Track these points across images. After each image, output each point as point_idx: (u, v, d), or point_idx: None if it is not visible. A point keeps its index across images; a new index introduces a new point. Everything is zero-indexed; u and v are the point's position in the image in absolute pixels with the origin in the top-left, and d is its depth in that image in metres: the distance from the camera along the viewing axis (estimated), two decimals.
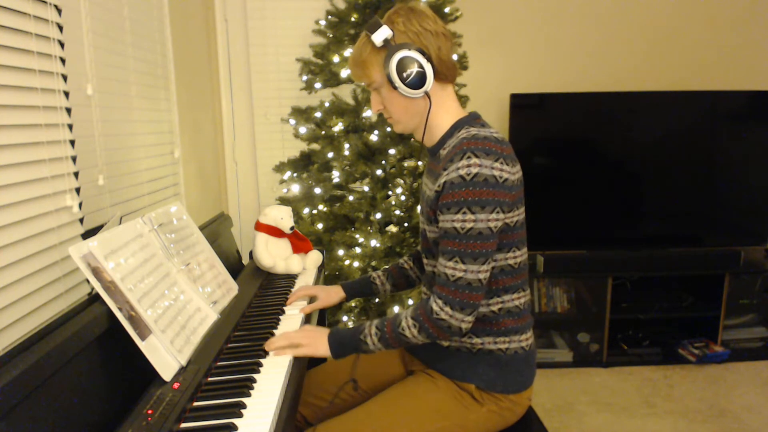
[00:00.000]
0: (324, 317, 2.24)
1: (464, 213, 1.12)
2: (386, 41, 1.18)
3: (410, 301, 2.41)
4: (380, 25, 1.18)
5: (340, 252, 2.40)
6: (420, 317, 1.18)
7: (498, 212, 1.13)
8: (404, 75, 1.16)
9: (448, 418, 1.24)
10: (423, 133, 1.27)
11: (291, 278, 1.78)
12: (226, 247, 1.87)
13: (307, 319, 1.49)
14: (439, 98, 1.25)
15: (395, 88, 1.19)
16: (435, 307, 1.16)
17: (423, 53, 1.17)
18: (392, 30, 1.18)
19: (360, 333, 1.24)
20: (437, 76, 1.21)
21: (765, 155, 2.97)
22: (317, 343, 1.25)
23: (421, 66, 1.17)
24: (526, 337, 1.28)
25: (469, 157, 1.12)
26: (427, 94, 1.20)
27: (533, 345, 1.30)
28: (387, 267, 1.63)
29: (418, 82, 1.17)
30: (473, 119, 1.25)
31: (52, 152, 1.33)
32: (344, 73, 2.34)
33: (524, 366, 1.27)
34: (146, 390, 1.03)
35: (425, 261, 1.36)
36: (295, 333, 1.26)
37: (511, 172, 1.16)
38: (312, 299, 1.59)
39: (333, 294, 1.59)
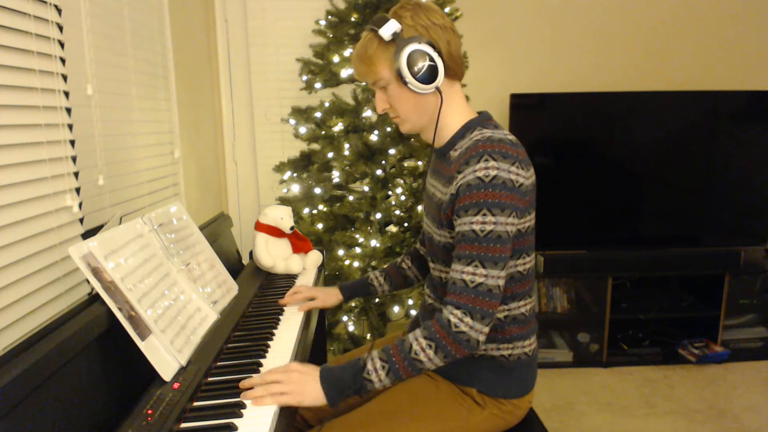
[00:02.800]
0: (324, 318, 2.24)
1: (484, 215, 1.07)
2: (395, 35, 1.13)
3: (410, 301, 2.41)
4: (388, 20, 1.13)
5: (340, 252, 2.40)
6: (436, 335, 1.06)
7: (514, 217, 1.10)
8: (415, 69, 1.12)
9: (449, 420, 1.23)
10: (434, 132, 1.22)
11: (291, 278, 1.78)
12: (226, 247, 1.87)
13: (307, 318, 1.49)
14: (449, 95, 1.20)
15: (405, 83, 1.14)
16: (453, 320, 1.06)
17: (433, 47, 1.13)
18: (400, 24, 1.14)
19: (362, 370, 1.07)
20: (447, 72, 1.16)
21: (765, 155, 2.97)
22: (305, 389, 1.05)
23: (432, 60, 1.12)
24: (530, 342, 1.26)
25: (486, 160, 1.08)
26: (438, 89, 1.16)
27: (536, 349, 1.29)
28: (385, 267, 1.63)
29: (429, 76, 1.13)
30: (485, 120, 1.21)
31: (52, 152, 1.33)
32: (344, 73, 2.34)
33: (526, 371, 1.27)
34: (146, 390, 1.03)
35: (431, 265, 1.34)
36: (277, 375, 1.05)
37: (526, 177, 1.12)
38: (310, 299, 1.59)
39: (331, 295, 1.58)
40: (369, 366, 1.08)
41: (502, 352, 1.23)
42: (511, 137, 1.16)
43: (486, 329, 1.08)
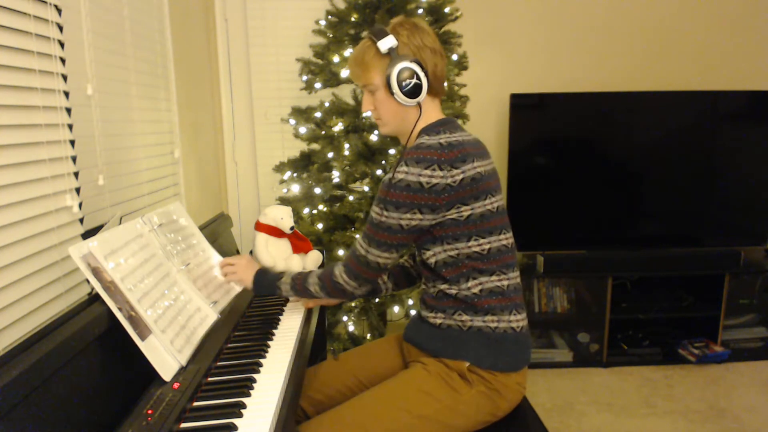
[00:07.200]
0: (324, 318, 2.24)
1: (381, 208, 1.26)
2: (391, 50, 1.27)
3: (410, 301, 2.41)
4: (387, 34, 1.27)
5: (340, 252, 2.40)
6: (324, 279, 1.38)
7: (415, 213, 1.23)
8: (403, 84, 1.27)
9: (438, 401, 1.27)
10: (408, 138, 1.37)
11: None
12: (226, 247, 1.87)
13: (307, 318, 1.49)
14: (427, 109, 1.34)
15: (392, 94, 1.29)
16: (337, 273, 1.36)
17: (421, 67, 1.27)
18: (397, 41, 1.27)
19: (278, 280, 1.45)
20: (429, 90, 1.31)
21: (765, 155, 2.97)
22: (245, 276, 1.50)
23: (419, 78, 1.27)
24: (516, 318, 1.32)
25: (401, 165, 1.23)
26: (419, 104, 1.31)
27: (525, 328, 1.34)
28: None
29: (413, 92, 1.28)
30: (434, 126, 1.32)
31: (52, 152, 1.33)
32: (344, 73, 2.34)
33: (514, 347, 1.31)
34: (146, 390, 1.03)
35: (416, 253, 1.42)
36: (235, 260, 1.54)
37: (445, 176, 1.22)
38: None
39: None
40: (283, 280, 1.45)
41: (487, 324, 1.29)
42: (445, 140, 1.26)
43: (360, 288, 1.37)
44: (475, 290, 1.29)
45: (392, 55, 1.27)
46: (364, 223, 2.39)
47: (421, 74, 1.27)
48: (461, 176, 1.24)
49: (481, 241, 1.28)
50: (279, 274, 1.48)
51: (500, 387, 1.29)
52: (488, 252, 1.29)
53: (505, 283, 1.32)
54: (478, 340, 1.29)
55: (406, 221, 1.25)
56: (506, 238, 1.33)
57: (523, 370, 1.33)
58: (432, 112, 1.36)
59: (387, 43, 1.27)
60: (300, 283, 1.42)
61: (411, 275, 1.62)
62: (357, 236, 1.29)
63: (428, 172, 1.22)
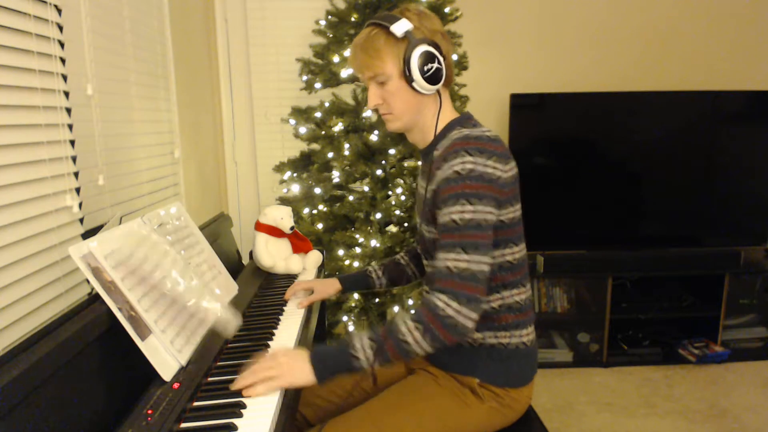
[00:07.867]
0: (324, 318, 2.24)
1: (462, 204, 1.10)
2: (408, 33, 1.17)
3: (410, 301, 2.41)
4: (398, 18, 1.18)
5: (340, 252, 2.40)
6: (424, 318, 1.06)
7: (492, 207, 1.13)
8: (425, 69, 1.16)
9: (449, 416, 1.24)
10: (424, 133, 1.28)
11: (291, 278, 1.78)
12: (226, 247, 1.87)
13: (307, 318, 1.49)
14: (444, 99, 1.27)
15: (411, 81, 1.18)
16: (440, 304, 1.06)
17: (439, 51, 1.18)
18: (411, 24, 1.18)
19: (349, 347, 1.09)
20: (446, 77, 1.22)
21: (765, 155, 2.97)
22: (293, 370, 1.07)
23: (439, 63, 1.18)
24: (528, 332, 1.28)
25: (463, 155, 1.13)
26: (438, 92, 1.23)
27: (534, 341, 1.30)
28: (383, 261, 1.64)
29: (434, 78, 1.18)
30: (465, 120, 1.26)
31: (52, 152, 1.33)
32: (344, 73, 2.34)
33: (525, 361, 1.28)
34: (146, 390, 1.03)
35: (425, 262, 1.37)
36: (265, 363, 1.07)
37: (504, 170, 1.16)
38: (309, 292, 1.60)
39: (329, 286, 1.59)
40: (357, 344, 1.09)
41: (500, 340, 1.25)
42: (489, 133, 1.19)
43: (474, 315, 1.07)
44: (495, 305, 1.24)
45: (409, 39, 1.16)
46: (364, 223, 2.39)
47: (440, 58, 1.18)
48: (511, 173, 1.18)
49: (515, 248, 1.22)
50: (342, 341, 1.11)
51: (511, 402, 1.27)
52: (517, 262, 1.23)
53: (523, 296, 1.27)
54: (490, 356, 1.25)
55: (490, 215, 1.12)
56: (525, 247, 1.27)
57: (532, 381, 1.31)
58: (446, 101, 1.27)
59: (402, 26, 1.16)
60: (387, 339, 1.07)
61: (406, 272, 1.60)
62: (441, 258, 1.09)
63: (492, 162, 1.13)
